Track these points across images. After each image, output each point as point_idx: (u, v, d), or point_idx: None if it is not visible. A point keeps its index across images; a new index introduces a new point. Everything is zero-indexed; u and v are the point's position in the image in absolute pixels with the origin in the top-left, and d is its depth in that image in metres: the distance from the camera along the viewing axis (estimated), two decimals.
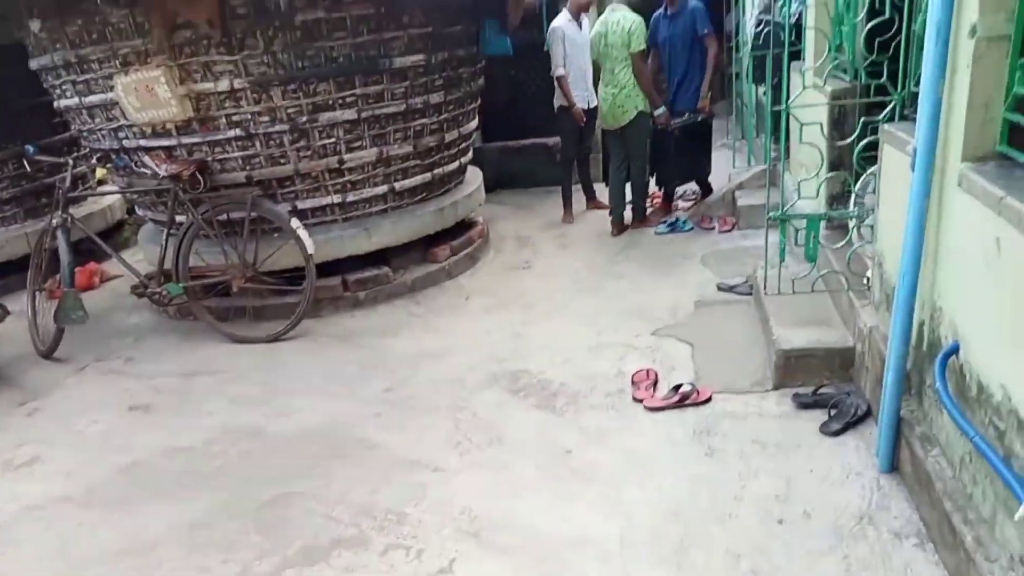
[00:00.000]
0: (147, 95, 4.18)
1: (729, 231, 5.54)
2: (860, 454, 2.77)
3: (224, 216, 4.37)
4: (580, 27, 5.69)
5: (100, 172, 6.21)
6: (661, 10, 5.66)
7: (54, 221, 4.31)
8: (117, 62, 4.18)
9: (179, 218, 4.45)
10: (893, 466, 2.62)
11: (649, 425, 3.16)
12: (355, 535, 2.64)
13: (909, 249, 2.33)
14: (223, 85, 4.19)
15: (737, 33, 6.87)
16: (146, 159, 4.40)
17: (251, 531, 2.73)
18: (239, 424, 3.52)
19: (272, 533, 2.71)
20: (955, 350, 2.19)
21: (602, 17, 5.29)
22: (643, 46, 5.14)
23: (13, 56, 4.78)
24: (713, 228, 5.63)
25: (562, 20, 5.64)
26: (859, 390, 3.09)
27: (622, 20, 5.12)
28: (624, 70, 5.21)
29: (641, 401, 3.33)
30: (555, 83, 5.69)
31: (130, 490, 3.08)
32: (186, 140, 4.36)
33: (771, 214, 3.34)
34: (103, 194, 5.99)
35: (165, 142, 4.39)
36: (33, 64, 4.58)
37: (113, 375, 4.24)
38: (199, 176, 4.29)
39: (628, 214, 5.78)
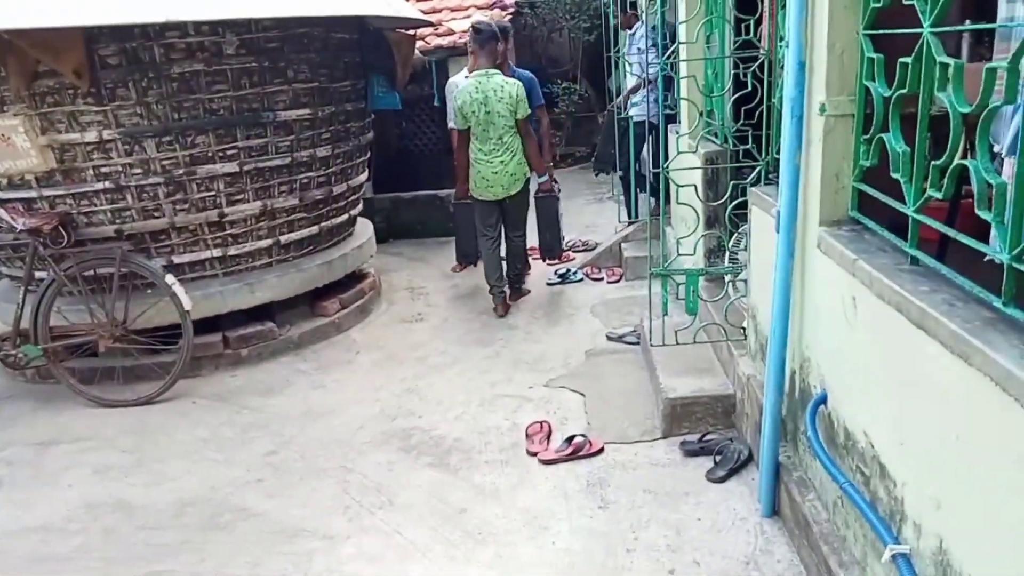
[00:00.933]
0: (3, 145, 3.90)
1: (617, 281, 5.72)
2: (744, 500, 2.87)
3: (91, 271, 4.09)
4: None
5: None
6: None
7: None
8: None
9: (39, 274, 4.13)
10: (774, 510, 2.73)
11: (543, 479, 3.16)
12: None
13: (778, 304, 2.47)
14: (91, 136, 3.97)
15: (618, 94, 7.23)
16: (1, 212, 4.07)
17: None
18: (103, 496, 3.25)
19: None
20: (824, 399, 2.33)
21: (471, 83, 4.66)
22: (528, 111, 4.82)
23: None
24: (602, 279, 5.79)
25: (460, 77, 5.59)
26: (741, 436, 3.23)
27: (506, 86, 4.68)
28: (513, 136, 4.80)
29: (535, 454, 3.33)
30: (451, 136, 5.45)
31: None
32: (48, 192, 4.07)
33: (653, 270, 3.48)
34: None
35: (23, 194, 4.09)
36: None
37: None
38: (62, 230, 4.01)
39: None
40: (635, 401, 3.71)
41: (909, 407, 1.76)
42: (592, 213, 7.73)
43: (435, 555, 2.71)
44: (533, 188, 5.20)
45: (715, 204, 3.55)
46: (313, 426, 3.77)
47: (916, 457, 1.74)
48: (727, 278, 3.47)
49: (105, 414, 4.04)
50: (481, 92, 4.64)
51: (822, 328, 2.34)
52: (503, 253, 5.20)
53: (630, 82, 6.46)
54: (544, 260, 5.47)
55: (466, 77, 5.56)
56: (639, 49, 5.66)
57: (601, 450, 3.31)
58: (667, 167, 3.30)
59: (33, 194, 4.08)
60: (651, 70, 5.55)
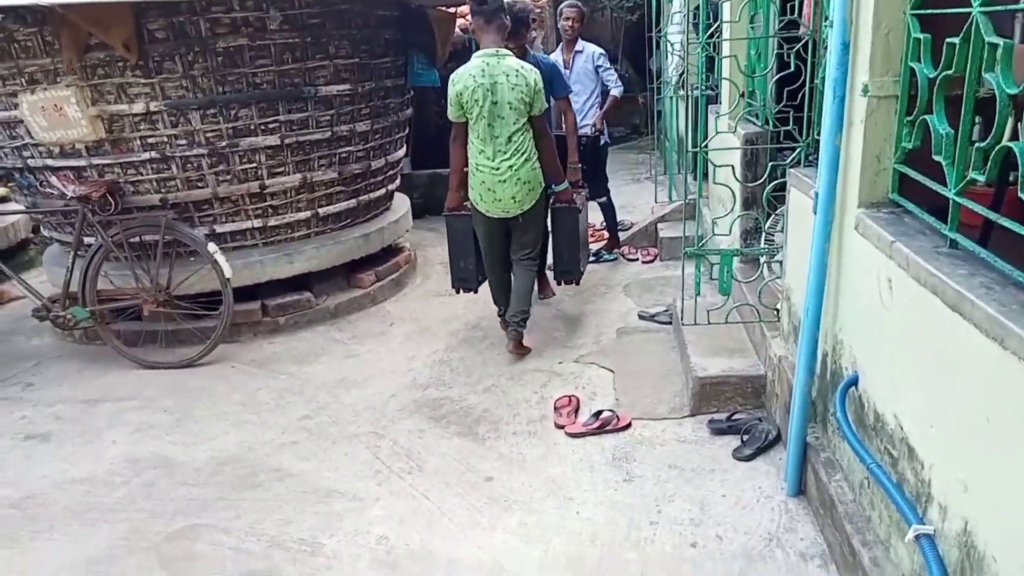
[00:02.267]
0: (55, 115, 4.02)
1: (651, 262, 5.71)
2: (770, 478, 2.88)
3: (136, 238, 4.21)
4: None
5: (1, 190, 5.89)
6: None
7: None
8: (23, 80, 4.01)
9: (88, 240, 4.27)
10: (800, 490, 2.73)
11: (570, 451, 3.20)
12: (266, 568, 2.56)
13: (812, 285, 2.46)
14: (138, 107, 4.07)
15: (659, 75, 7.17)
16: (53, 179, 4.21)
17: (154, 566, 2.61)
18: (144, 453, 3.37)
19: (177, 568, 2.59)
20: (855, 381, 2.32)
21: (475, 64, 3.67)
22: (546, 106, 3.86)
23: None
24: (636, 259, 5.79)
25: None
26: (770, 416, 3.23)
27: (521, 72, 3.67)
28: (524, 136, 3.74)
29: (562, 427, 3.37)
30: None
31: (21, 525, 2.90)
32: (97, 161, 4.19)
33: (687, 249, 3.48)
34: (4, 213, 5.67)
35: (74, 162, 4.22)
36: None
37: (9, 402, 3.99)
38: (110, 197, 4.13)
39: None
40: (664, 379, 3.72)
41: (941, 390, 1.75)
42: (629, 193, 7.71)
43: (460, 520, 2.77)
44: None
45: (753, 185, 3.52)
46: (347, 393, 3.86)
47: (945, 439, 1.74)
48: (762, 259, 3.45)
49: (148, 375, 4.19)
50: (488, 77, 3.63)
51: (856, 310, 2.32)
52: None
53: (670, 62, 6.39)
54: (559, 283, 4.55)
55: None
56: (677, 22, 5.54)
57: (628, 425, 3.34)
58: (703, 147, 3.28)
59: (83, 163, 4.21)
60: (611, 88, 5.32)
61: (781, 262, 3.23)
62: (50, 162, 4.26)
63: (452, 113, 3.75)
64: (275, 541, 2.69)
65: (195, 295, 4.34)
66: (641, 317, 4.56)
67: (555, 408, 3.52)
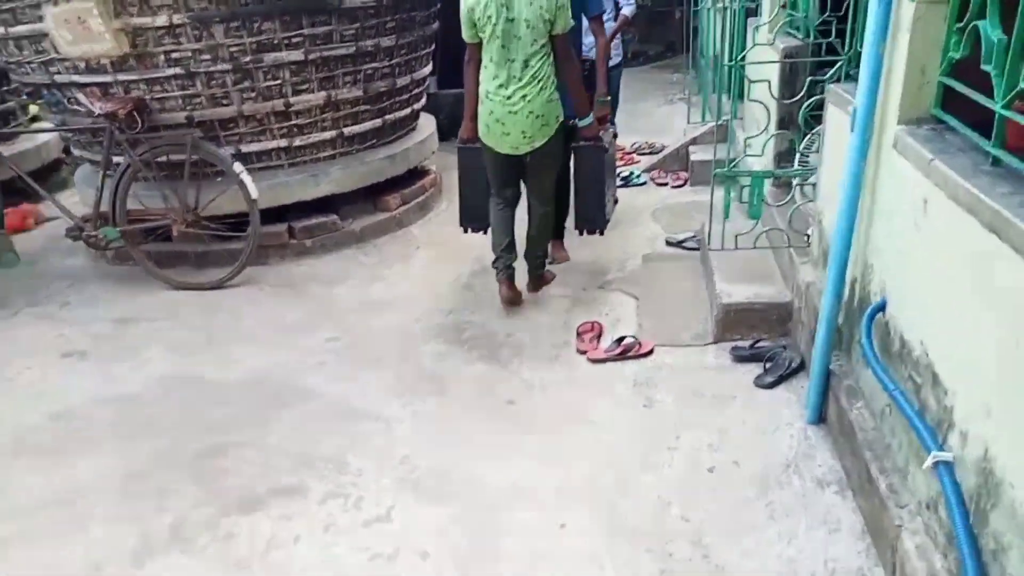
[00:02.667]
0: (79, 28, 3.96)
1: (681, 186, 5.57)
2: (791, 406, 2.85)
3: (164, 158, 4.22)
4: None
5: (33, 108, 5.91)
6: None
7: None
8: None
9: (116, 159, 4.28)
10: (821, 418, 2.71)
11: (591, 377, 3.21)
12: (293, 484, 2.64)
13: (845, 207, 2.36)
14: (161, 20, 3.99)
15: None
16: (80, 96, 4.20)
17: (187, 480, 2.71)
18: (177, 372, 3.46)
19: (208, 482, 2.69)
20: (882, 307, 2.25)
21: None
22: (572, 24, 3.38)
23: None
24: (666, 183, 5.65)
25: None
26: (795, 344, 3.18)
27: None
28: (543, 61, 3.30)
29: (584, 353, 3.37)
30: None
31: (61, 439, 3.02)
32: (122, 77, 4.16)
33: (716, 171, 3.36)
34: (35, 132, 5.71)
35: (100, 78, 4.19)
36: None
37: (47, 320, 4.11)
38: (136, 115, 4.11)
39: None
40: (689, 306, 3.67)
41: (972, 313, 1.68)
42: (662, 115, 7.47)
43: (482, 442, 2.81)
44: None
45: (790, 102, 3.35)
46: (373, 316, 3.89)
47: (972, 364, 1.68)
48: (795, 182, 3.32)
49: (179, 296, 4.26)
50: None
51: (889, 234, 2.23)
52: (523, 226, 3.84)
53: None
54: (580, 233, 4.01)
55: None
56: None
57: (651, 352, 3.32)
58: (737, 60, 3.12)
59: (109, 79, 4.18)
60: (623, 7, 4.94)
61: (815, 185, 3.11)
62: (76, 78, 4.24)
63: (465, 33, 3.36)
64: (302, 459, 2.77)
65: (223, 216, 4.36)
66: (668, 243, 4.48)
67: (577, 334, 3.51)
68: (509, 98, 3.32)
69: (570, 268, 4.27)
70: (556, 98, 3.39)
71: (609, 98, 4.02)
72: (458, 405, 3.07)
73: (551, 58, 3.33)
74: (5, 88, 5.06)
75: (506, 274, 3.72)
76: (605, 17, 4.69)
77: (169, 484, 2.69)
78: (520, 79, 3.30)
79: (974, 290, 1.67)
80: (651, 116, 7.39)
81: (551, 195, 3.73)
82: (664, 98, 8.24)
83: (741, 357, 3.20)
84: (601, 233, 3.94)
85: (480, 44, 3.36)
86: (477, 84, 3.44)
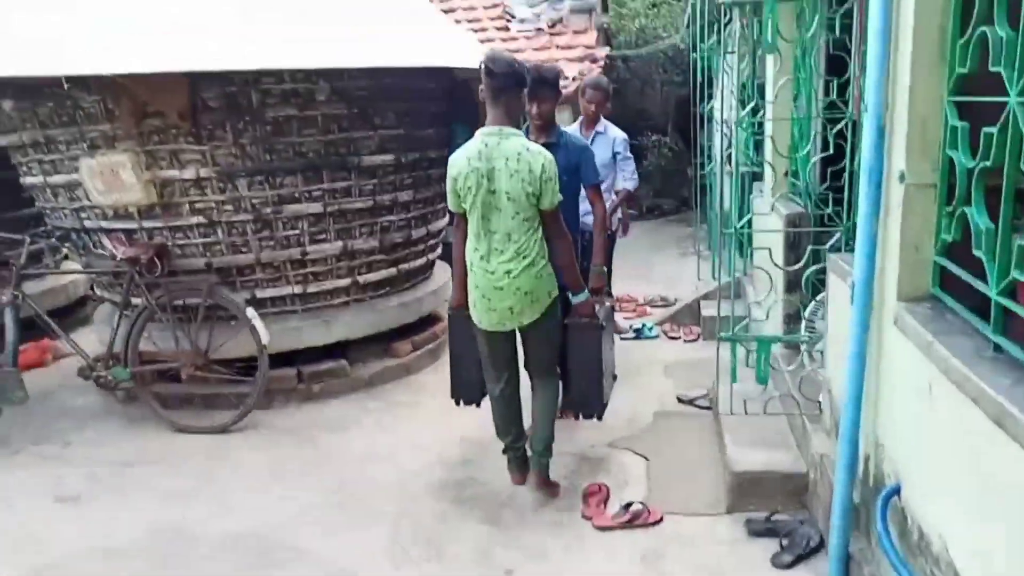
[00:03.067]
0: (112, 178, 4.19)
1: (694, 341, 5.55)
2: None
3: (180, 301, 4.30)
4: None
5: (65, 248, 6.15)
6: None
7: (3, 298, 4.21)
8: (84, 145, 4.21)
9: (135, 300, 4.38)
10: None
11: (596, 546, 3.04)
12: None
13: (851, 383, 2.31)
14: (189, 173, 4.21)
15: (707, 150, 7.13)
16: (105, 240, 4.36)
17: None
18: (167, 522, 3.35)
19: None
20: (897, 491, 2.14)
21: (473, 145, 3.04)
22: (559, 199, 3.07)
23: None
24: (679, 337, 5.63)
25: (574, 128, 4.79)
26: (812, 519, 3.01)
27: (526, 156, 2.96)
28: (530, 235, 3.03)
29: (590, 519, 3.21)
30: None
31: None
32: (147, 224, 4.34)
33: (721, 334, 3.34)
34: (60, 272, 5.89)
35: (126, 225, 4.37)
36: (2, 140, 4.59)
37: (47, 461, 4.05)
38: (157, 260, 4.24)
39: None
40: (701, 470, 3.53)
41: (987, 512, 1.58)
42: (675, 267, 7.58)
43: None
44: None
45: (794, 269, 3.38)
46: (373, 467, 3.78)
47: (994, 568, 1.56)
48: (802, 347, 3.28)
49: (181, 439, 4.20)
50: (485, 161, 2.97)
51: (897, 413, 2.16)
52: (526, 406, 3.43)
53: (718, 139, 6.34)
54: (575, 418, 3.72)
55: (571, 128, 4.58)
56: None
57: (660, 520, 3.17)
58: (737, 228, 3.19)
59: (134, 225, 4.36)
60: (626, 182, 4.89)
61: (822, 351, 3.06)
62: (104, 224, 4.42)
63: (450, 202, 3.15)
64: None
65: (232, 359, 4.38)
66: (680, 400, 4.39)
67: (584, 497, 3.37)
68: (492, 272, 3.05)
69: (578, 424, 4.16)
70: (548, 273, 3.11)
71: (605, 269, 3.88)
72: (453, 571, 2.91)
73: (540, 232, 3.07)
74: (35, 231, 5.28)
75: (517, 464, 3.41)
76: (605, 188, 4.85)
77: None
78: (503, 252, 3.03)
79: (987, 488, 1.58)
80: (665, 269, 7.50)
81: (553, 367, 3.37)
82: (678, 251, 8.40)
83: (756, 531, 3.03)
84: (599, 418, 3.53)
85: (465, 213, 3.13)
86: (462, 248, 3.21)
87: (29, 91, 4.20)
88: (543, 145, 3.24)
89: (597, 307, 3.42)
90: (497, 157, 2.97)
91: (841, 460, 2.38)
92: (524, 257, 3.03)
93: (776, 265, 3.38)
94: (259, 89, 4.17)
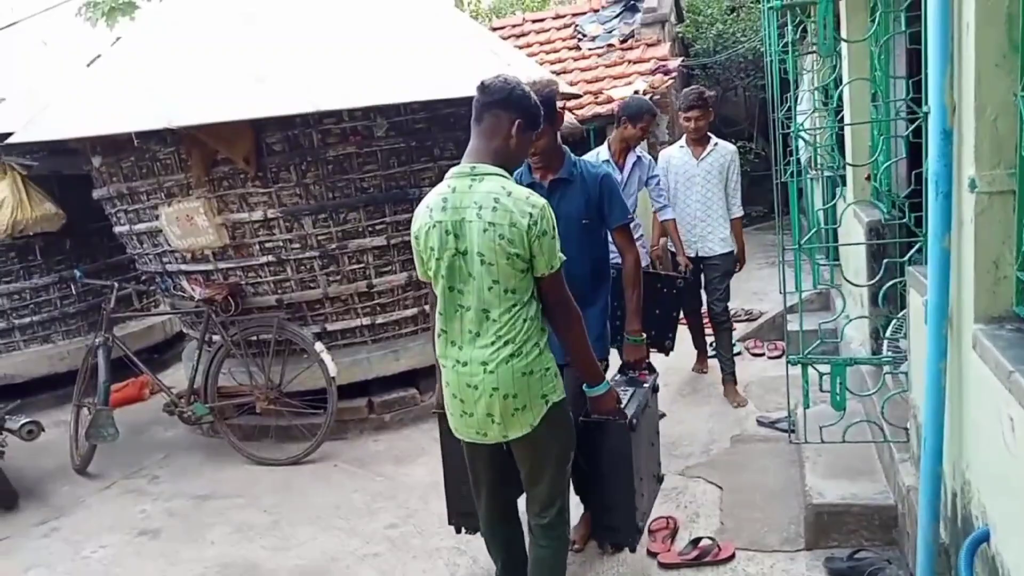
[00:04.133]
0: (187, 224, 4.39)
1: (779, 357, 5.22)
2: None
3: (253, 337, 4.44)
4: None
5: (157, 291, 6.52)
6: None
7: (96, 340, 4.47)
8: (162, 194, 4.44)
9: (214, 338, 4.55)
10: None
11: None
12: None
13: (929, 413, 2.07)
14: (257, 215, 4.35)
15: (788, 155, 6.76)
16: (183, 282, 4.57)
17: None
18: (237, 557, 3.42)
19: None
20: (986, 536, 1.88)
21: (437, 191, 2.25)
22: (560, 261, 2.22)
23: (86, 185, 5.13)
24: (762, 353, 5.33)
25: (674, 150, 4.65)
26: (902, 557, 2.73)
27: (506, 202, 2.14)
28: (516, 314, 2.19)
29: (656, 555, 3.04)
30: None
31: None
32: (222, 265, 4.51)
33: (791, 357, 3.10)
34: (145, 315, 6.22)
35: (203, 267, 4.56)
36: (95, 194, 4.90)
37: (135, 494, 4.24)
38: (231, 299, 4.40)
39: None
40: (779, 501, 3.29)
41: None
42: (762, 278, 7.22)
43: None
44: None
45: (873, 282, 3.11)
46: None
47: None
48: (884, 369, 3.00)
49: (257, 471, 4.31)
50: (451, 211, 2.18)
51: (981, 448, 1.91)
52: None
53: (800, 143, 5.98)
54: (600, 547, 3.05)
55: (680, 147, 4.50)
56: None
57: (732, 557, 2.95)
58: (800, 244, 2.95)
59: (210, 267, 4.55)
60: (656, 207, 4.35)
61: (907, 373, 2.79)
62: (183, 267, 4.64)
63: (418, 268, 2.34)
64: None
65: (305, 392, 4.47)
66: (760, 423, 4.13)
67: (649, 531, 3.19)
68: (464, 364, 2.19)
69: None
70: (544, 368, 2.21)
71: (644, 337, 2.96)
72: None
73: (532, 309, 2.19)
74: (124, 276, 5.60)
75: None
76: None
77: None
78: (477, 336, 2.17)
79: None
80: (751, 280, 7.15)
81: (558, 508, 2.36)
82: (765, 260, 8.01)
83: (837, 570, 2.77)
84: (632, 549, 2.82)
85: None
86: None
87: (113, 147, 4.48)
88: (552, 183, 2.75)
89: (626, 396, 2.68)
90: (467, 206, 2.13)
91: (923, 497, 2.13)
92: (507, 343, 2.14)
93: (848, 280, 3.11)
94: (319, 130, 4.27)
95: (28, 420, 4.04)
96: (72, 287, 4.99)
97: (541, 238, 2.12)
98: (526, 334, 2.18)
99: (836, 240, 3.43)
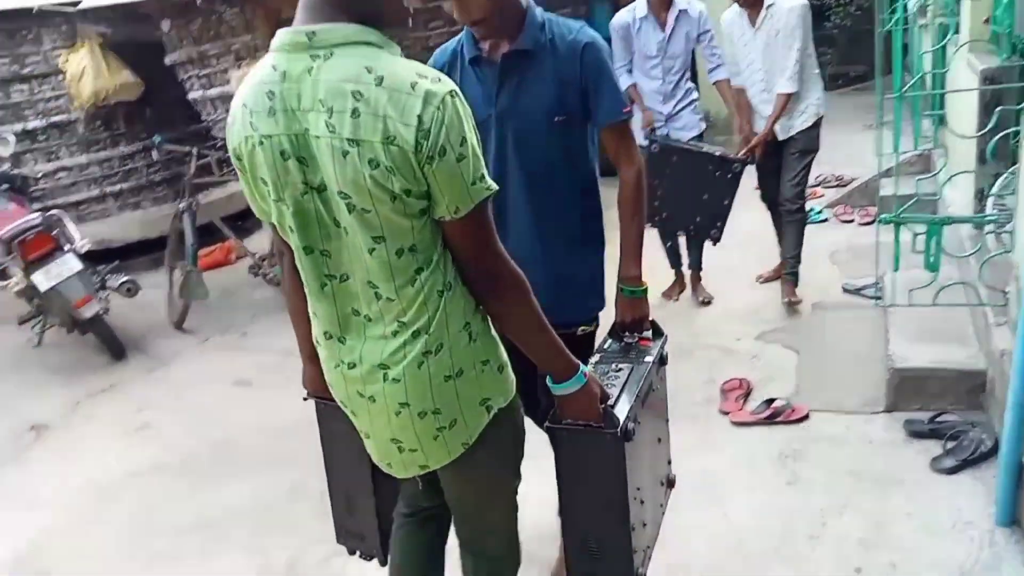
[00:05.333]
0: None
1: (870, 223, 4.96)
2: (975, 500, 2.35)
3: None
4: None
5: None
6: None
7: (180, 206, 4.63)
8: (231, 57, 4.42)
9: None
10: (1014, 519, 2.20)
11: (730, 442, 2.89)
12: None
13: None
14: None
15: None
16: None
17: (309, 516, 2.77)
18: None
19: (327, 520, 2.74)
20: None
21: (256, 78, 1.30)
22: (492, 188, 1.26)
23: (161, 53, 5.15)
24: (852, 220, 5.07)
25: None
26: (988, 423, 2.64)
27: (375, 95, 1.17)
28: (423, 281, 1.29)
29: (727, 414, 3.05)
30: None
31: (218, 465, 3.26)
32: None
33: (883, 216, 2.91)
34: (224, 182, 6.34)
35: None
36: (167, 60, 4.92)
37: (229, 349, 4.52)
38: None
39: None
40: (859, 366, 3.20)
41: None
42: (857, 143, 6.71)
43: None
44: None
45: (981, 134, 2.83)
46: None
47: None
48: (986, 229, 2.78)
49: None
50: (285, 116, 1.24)
51: None
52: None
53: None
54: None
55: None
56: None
57: (805, 417, 2.94)
58: (901, 92, 2.69)
59: None
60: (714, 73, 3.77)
61: (1011, 233, 2.57)
62: None
63: (254, 208, 1.44)
64: None
65: None
66: (845, 290, 3.98)
67: (722, 391, 3.19)
68: (351, 366, 1.40)
69: (725, 313, 3.93)
70: (479, 362, 1.39)
71: (646, 286, 1.96)
72: None
73: (450, 273, 1.33)
74: (205, 144, 5.69)
75: None
76: (681, 88, 3.77)
77: (296, 518, 2.77)
78: (368, 323, 1.37)
79: None
80: (843, 145, 6.69)
81: (506, 536, 1.69)
82: (861, 124, 7.45)
83: (916, 432, 2.72)
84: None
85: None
86: (298, 295, 1.49)
87: (180, 10, 4.44)
88: (506, 59, 1.77)
89: (617, 382, 1.70)
90: (308, 108, 1.23)
91: (1017, 357, 2.01)
92: (416, 334, 1.32)
93: (953, 132, 2.84)
94: None
95: (127, 279, 4.30)
96: (154, 155, 5.12)
97: (439, 158, 1.19)
98: (444, 313, 1.32)
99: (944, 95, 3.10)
